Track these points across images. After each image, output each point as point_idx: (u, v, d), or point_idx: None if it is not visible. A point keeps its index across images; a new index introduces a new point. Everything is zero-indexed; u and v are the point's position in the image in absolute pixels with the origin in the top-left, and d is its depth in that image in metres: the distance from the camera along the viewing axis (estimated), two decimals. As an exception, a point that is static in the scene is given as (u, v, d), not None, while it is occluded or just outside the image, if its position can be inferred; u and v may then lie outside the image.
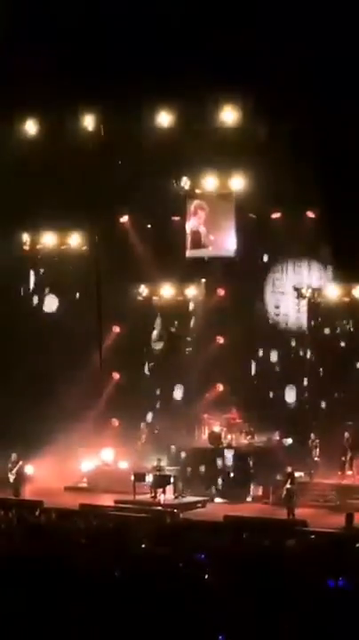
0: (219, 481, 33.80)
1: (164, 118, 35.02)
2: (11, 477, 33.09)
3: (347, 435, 33.16)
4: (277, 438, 35.34)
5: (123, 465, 35.53)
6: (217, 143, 34.32)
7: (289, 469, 30.93)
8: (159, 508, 31.16)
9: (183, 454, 34.58)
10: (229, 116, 34.34)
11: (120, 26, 32.49)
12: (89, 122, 35.94)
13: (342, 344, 35.89)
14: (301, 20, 30.68)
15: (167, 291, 38.42)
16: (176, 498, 32.40)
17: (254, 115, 34.11)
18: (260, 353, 37.43)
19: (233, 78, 31.88)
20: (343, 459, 33.01)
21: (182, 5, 31.78)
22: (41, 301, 39.41)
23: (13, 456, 33.28)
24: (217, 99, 34.15)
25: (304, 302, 36.30)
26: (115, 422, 37.48)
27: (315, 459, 33.39)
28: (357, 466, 33.15)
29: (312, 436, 33.71)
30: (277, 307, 37.19)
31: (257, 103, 33.67)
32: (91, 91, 33.71)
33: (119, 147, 35.44)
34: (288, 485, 30.36)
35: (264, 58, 30.86)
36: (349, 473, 33.01)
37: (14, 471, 33.04)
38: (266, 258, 37.14)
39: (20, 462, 33.31)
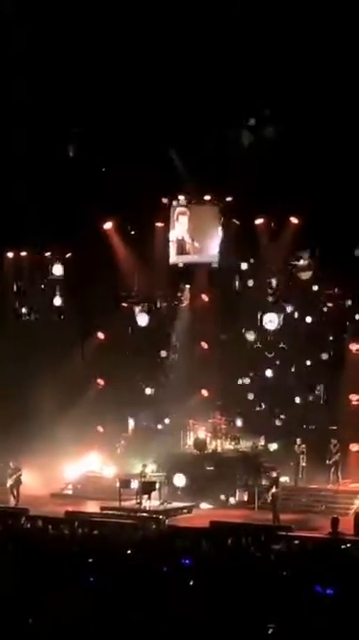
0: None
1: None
2: (9, 483, 33.05)
3: (334, 441, 33.23)
4: (262, 443, 35.39)
5: (109, 471, 35.50)
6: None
7: (274, 474, 30.95)
8: (145, 514, 31.13)
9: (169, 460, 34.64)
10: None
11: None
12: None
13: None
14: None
15: (152, 297, 38.44)
16: (161, 504, 32.37)
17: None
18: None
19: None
20: (328, 462, 33.09)
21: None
22: (24, 310, 39.42)
23: (12, 464, 33.31)
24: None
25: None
26: (100, 429, 37.47)
27: (302, 464, 33.40)
28: (342, 471, 33.24)
29: (298, 441, 33.74)
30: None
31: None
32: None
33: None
34: (273, 490, 30.38)
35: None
36: (333, 477, 33.12)
37: (13, 477, 33.04)
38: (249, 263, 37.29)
39: (20, 472, 33.20)
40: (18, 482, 33.03)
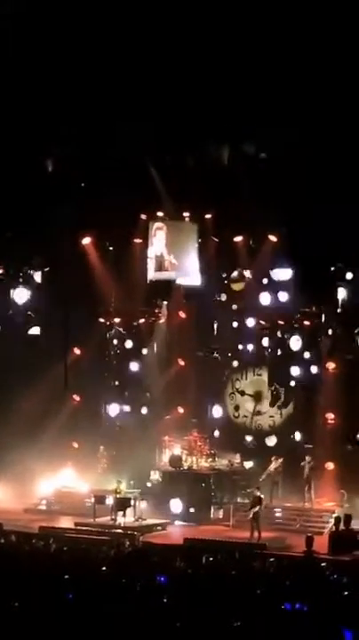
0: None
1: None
2: None
3: (308, 458, 33.23)
4: (238, 461, 35.35)
5: (83, 487, 35.36)
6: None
7: (257, 493, 30.80)
8: (119, 530, 31.00)
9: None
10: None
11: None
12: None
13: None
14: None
15: (129, 313, 38.41)
16: (136, 520, 32.26)
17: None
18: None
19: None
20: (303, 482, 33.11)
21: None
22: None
23: None
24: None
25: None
26: (75, 444, 37.32)
27: (277, 481, 33.35)
28: (318, 489, 33.24)
29: (272, 458, 33.71)
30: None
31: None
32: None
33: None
34: (256, 509, 30.08)
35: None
36: (307, 496, 33.11)
37: None
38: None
39: None
40: None
